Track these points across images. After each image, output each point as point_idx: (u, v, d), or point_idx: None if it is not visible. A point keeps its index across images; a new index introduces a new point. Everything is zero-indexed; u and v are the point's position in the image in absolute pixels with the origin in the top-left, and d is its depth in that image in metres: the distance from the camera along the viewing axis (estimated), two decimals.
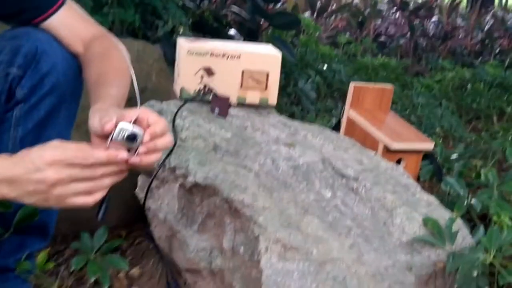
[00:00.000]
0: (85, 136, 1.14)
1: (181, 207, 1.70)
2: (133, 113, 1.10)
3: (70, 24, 1.42)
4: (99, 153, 1.07)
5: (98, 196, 1.11)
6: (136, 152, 1.08)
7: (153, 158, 1.12)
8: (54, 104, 1.39)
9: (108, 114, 1.10)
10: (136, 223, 2.07)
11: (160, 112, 1.87)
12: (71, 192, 1.07)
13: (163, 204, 1.74)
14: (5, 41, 1.36)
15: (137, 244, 2.01)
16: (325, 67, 4.39)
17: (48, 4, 1.40)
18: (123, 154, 1.07)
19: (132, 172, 1.14)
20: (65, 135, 1.41)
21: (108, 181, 1.10)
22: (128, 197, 1.94)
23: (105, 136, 1.09)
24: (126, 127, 1.07)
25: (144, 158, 1.09)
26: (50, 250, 1.87)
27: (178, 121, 1.82)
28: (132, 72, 1.32)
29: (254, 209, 1.51)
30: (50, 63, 1.36)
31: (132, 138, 1.07)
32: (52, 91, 1.38)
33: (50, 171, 1.04)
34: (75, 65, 1.41)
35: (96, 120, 1.11)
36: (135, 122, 1.09)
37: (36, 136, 1.39)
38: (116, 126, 1.07)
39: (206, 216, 1.64)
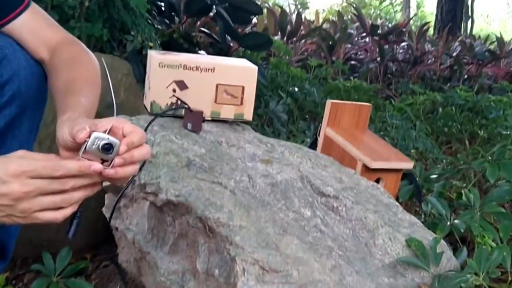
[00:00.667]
0: (48, 152, 1.03)
1: (151, 227, 1.60)
2: (108, 122, 1.01)
3: (35, 28, 1.33)
4: (70, 163, 0.98)
5: (68, 212, 1.01)
6: (112, 164, 0.99)
7: (130, 171, 1.02)
8: (15, 114, 1.29)
9: (80, 123, 1.00)
10: (102, 245, 1.96)
11: None
12: (38, 206, 0.97)
13: (131, 224, 1.63)
14: None
15: (103, 267, 1.90)
16: (296, 89, 4.34)
17: (10, 6, 1.31)
18: (96, 165, 0.98)
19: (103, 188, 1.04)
20: (27, 148, 1.30)
21: (79, 195, 1.01)
22: (94, 217, 1.84)
23: (75, 148, 1.01)
24: (101, 137, 0.98)
25: (120, 170, 1.00)
26: (8, 274, 1.75)
27: (148, 136, 1.72)
28: (109, 77, 1.21)
29: (230, 228, 1.42)
30: (11, 70, 1.26)
31: (107, 148, 0.98)
32: (13, 100, 1.27)
33: (16, 184, 0.95)
34: (39, 72, 1.31)
35: (66, 131, 1.01)
36: (110, 132, 1.00)
37: None
38: (90, 135, 0.98)
39: (178, 236, 1.53)
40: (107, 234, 1.71)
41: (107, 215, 1.67)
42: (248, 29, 5.98)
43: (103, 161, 0.99)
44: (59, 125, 1.05)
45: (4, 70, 1.25)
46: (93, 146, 0.98)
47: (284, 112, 3.80)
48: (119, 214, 1.66)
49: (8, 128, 1.29)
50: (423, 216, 2.11)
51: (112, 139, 0.98)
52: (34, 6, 1.36)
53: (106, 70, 1.18)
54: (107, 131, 0.99)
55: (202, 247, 1.46)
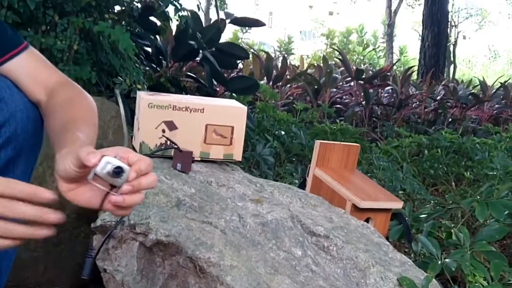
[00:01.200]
0: None
1: (141, 268, 1.57)
2: (113, 150, 1.00)
3: (32, 70, 1.32)
4: (25, 184, 0.94)
5: (4, 244, 0.94)
6: (119, 190, 0.98)
7: (136, 199, 1.00)
8: (10, 157, 1.26)
9: (88, 149, 0.98)
10: (89, 286, 1.92)
11: None
12: None
13: (120, 266, 1.61)
14: None
15: None
16: (283, 132, 4.36)
17: (8, 47, 1.31)
18: (48, 194, 0.94)
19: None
20: None
21: (21, 230, 0.94)
22: (81, 258, 1.81)
23: (78, 179, 1.01)
24: (112, 161, 0.97)
25: (128, 198, 0.99)
26: None
27: None
28: (122, 108, 1.21)
29: (221, 268, 1.41)
30: (8, 113, 1.24)
31: (118, 172, 0.97)
32: (9, 143, 1.25)
33: None
34: (36, 115, 1.29)
35: (70, 160, 0.99)
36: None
37: None
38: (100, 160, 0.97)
39: (168, 277, 1.51)
40: (95, 276, 1.68)
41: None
42: (233, 74, 6.04)
43: (111, 188, 0.99)
44: (60, 158, 1.03)
45: (0, 112, 1.23)
46: (104, 170, 0.97)
47: (271, 155, 3.80)
48: (108, 255, 1.63)
49: (2, 170, 1.26)
50: (413, 255, 2.10)
51: (122, 164, 0.97)
52: (31, 48, 1.36)
53: (121, 105, 1.17)
54: (115, 157, 0.98)
55: (193, 287, 1.44)
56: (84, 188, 1.04)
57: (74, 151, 1.01)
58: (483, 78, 8.30)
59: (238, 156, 1.93)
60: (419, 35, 14.11)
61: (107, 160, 0.97)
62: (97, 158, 0.96)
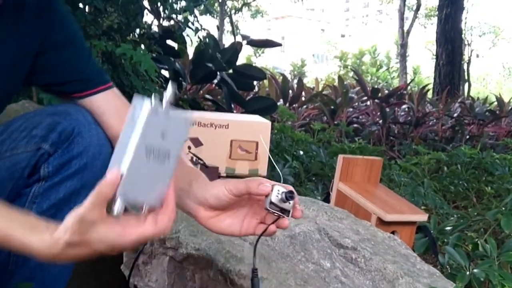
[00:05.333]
0: None
1: (171, 283, 1.59)
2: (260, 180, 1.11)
3: (117, 106, 1.39)
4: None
5: None
6: (290, 213, 1.10)
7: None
8: (75, 187, 1.32)
9: (257, 181, 1.10)
10: None
11: None
12: None
13: (151, 281, 1.62)
14: (44, 116, 1.31)
15: None
16: (301, 153, 4.37)
17: (99, 80, 1.39)
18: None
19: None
20: None
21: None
22: (111, 277, 1.82)
23: (224, 207, 1.14)
24: (281, 188, 1.08)
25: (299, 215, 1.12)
26: None
27: None
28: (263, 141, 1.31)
29: None
30: (82, 146, 1.30)
31: (291, 196, 1.08)
32: (77, 174, 1.31)
33: None
34: (107, 152, 1.34)
35: (222, 189, 1.12)
36: None
37: (50, 217, 1.29)
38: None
39: None
40: None
41: (126, 273, 1.66)
42: (250, 96, 6.08)
43: (281, 212, 1.09)
44: (200, 188, 1.17)
45: (76, 145, 1.29)
46: (277, 197, 1.07)
47: (291, 175, 3.81)
48: (138, 271, 1.65)
49: (66, 199, 1.31)
50: (439, 267, 2.09)
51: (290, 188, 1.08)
52: (116, 89, 1.43)
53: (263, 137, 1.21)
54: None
55: None
56: (224, 215, 1.16)
57: (231, 181, 1.12)
58: (500, 95, 8.28)
59: (263, 171, 1.95)
60: (433, 54, 14.13)
61: (278, 188, 1.08)
62: (269, 188, 1.08)
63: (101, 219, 0.95)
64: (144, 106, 0.94)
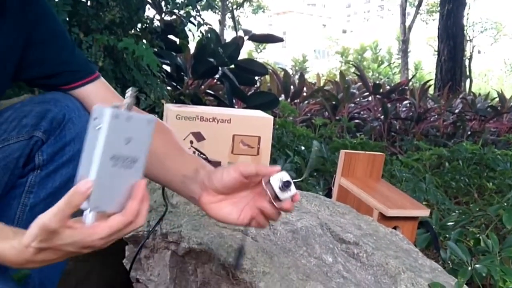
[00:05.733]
0: None
1: (173, 277, 1.59)
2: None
3: (105, 95, 1.38)
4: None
5: None
6: (280, 204, 1.11)
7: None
8: (70, 174, 1.32)
9: (265, 165, 1.14)
10: None
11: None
12: None
13: (153, 275, 1.63)
14: (33, 104, 1.31)
15: None
16: (303, 148, 4.37)
17: (86, 72, 1.38)
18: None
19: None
20: None
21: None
22: (113, 272, 1.83)
23: (222, 191, 1.15)
24: (286, 177, 1.09)
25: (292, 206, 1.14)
26: None
27: None
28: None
29: (254, 274, 1.41)
30: (74, 132, 1.31)
31: (287, 186, 1.09)
32: (71, 160, 1.31)
33: None
34: None
35: (230, 172, 1.13)
36: None
37: (47, 205, 1.28)
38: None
39: (201, 285, 1.52)
40: (127, 286, 1.69)
41: (128, 267, 1.66)
42: (251, 91, 6.08)
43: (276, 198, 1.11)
44: (208, 172, 1.18)
45: (68, 131, 1.30)
46: (278, 182, 1.09)
47: (292, 170, 3.81)
48: (140, 265, 1.65)
49: (62, 187, 1.32)
50: (441, 263, 2.09)
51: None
52: (103, 79, 1.42)
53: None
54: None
55: None
56: (225, 202, 1.17)
57: (241, 164, 1.14)
58: (501, 90, 8.27)
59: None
60: (434, 50, 14.11)
61: (282, 175, 1.09)
62: (278, 168, 1.10)
63: (65, 226, 0.94)
64: (105, 113, 0.93)
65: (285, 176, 1.09)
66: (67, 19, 2.40)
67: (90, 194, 0.93)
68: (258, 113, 2.01)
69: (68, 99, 1.33)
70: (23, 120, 1.28)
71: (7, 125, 1.29)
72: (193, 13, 2.96)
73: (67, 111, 1.30)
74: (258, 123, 1.92)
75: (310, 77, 18.58)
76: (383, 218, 2.06)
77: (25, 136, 1.28)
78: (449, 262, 2.07)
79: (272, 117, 1.93)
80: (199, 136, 1.87)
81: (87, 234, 0.95)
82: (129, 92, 0.96)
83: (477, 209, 2.50)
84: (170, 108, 1.89)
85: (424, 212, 2.12)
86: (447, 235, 2.25)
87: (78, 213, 0.96)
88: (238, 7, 27.28)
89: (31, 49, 1.34)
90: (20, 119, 1.28)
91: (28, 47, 1.33)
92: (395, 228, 2.09)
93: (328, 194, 2.37)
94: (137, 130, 0.98)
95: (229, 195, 1.17)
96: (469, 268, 1.89)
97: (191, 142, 1.87)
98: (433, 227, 2.24)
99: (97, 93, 1.37)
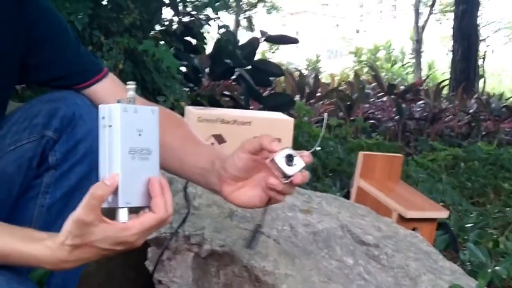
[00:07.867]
0: None
1: (196, 279, 1.60)
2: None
3: (115, 91, 1.36)
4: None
5: None
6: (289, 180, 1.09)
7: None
8: (85, 172, 1.31)
9: (268, 138, 1.12)
10: None
11: (171, 181, 1.79)
12: None
13: (175, 277, 1.64)
14: (42, 104, 1.30)
15: None
16: (318, 148, 4.38)
17: (95, 70, 1.38)
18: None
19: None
20: None
21: None
22: (135, 274, 1.84)
23: (240, 178, 1.17)
24: (291, 152, 1.08)
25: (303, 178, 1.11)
26: None
27: (190, 188, 1.74)
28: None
29: (276, 276, 1.43)
30: (85, 129, 1.29)
31: (290, 160, 1.07)
32: (85, 158, 1.30)
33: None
34: None
35: (238, 153, 1.15)
36: None
37: (64, 205, 1.30)
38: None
39: (223, 286, 1.54)
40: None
41: (150, 268, 1.68)
42: (266, 92, 6.09)
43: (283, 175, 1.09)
44: (221, 162, 1.19)
45: (79, 128, 1.29)
46: (282, 159, 1.07)
47: (309, 171, 3.81)
48: (162, 266, 1.66)
49: (77, 186, 1.31)
50: (459, 264, 2.09)
51: (297, 156, 1.09)
52: (111, 74, 1.42)
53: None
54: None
55: None
56: (245, 189, 1.18)
57: (245, 143, 1.16)
58: None
59: None
60: (448, 50, 14.06)
61: (285, 152, 1.08)
62: (278, 146, 1.08)
63: (98, 219, 0.96)
64: (113, 110, 0.95)
65: (287, 151, 1.08)
66: (88, 22, 2.42)
67: (118, 189, 0.96)
68: (279, 115, 2.02)
69: (77, 96, 1.32)
70: (34, 120, 1.27)
71: (18, 126, 1.28)
72: (211, 15, 2.98)
73: (77, 108, 1.29)
74: (279, 125, 1.93)
75: (322, 77, 18.55)
76: (402, 219, 2.07)
77: (37, 136, 1.27)
78: (468, 263, 2.07)
79: (292, 119, 1.94)
80: (220, 139, 1.88)
81: (119, 229, 0.97)
82: (130, 85, 1.00)
83: (495, 210, 2.50)
84: (192, 111, 1.91)
85: (443, 214, 2.13)
86: (465, 237, 2.26)
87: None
88: (252, 8, 27.30)
89: (33, 50, 1.32)
90: (31, 119, 1.28)
91: (30, 48, 1.32)
92: (414, 229, 2.10)
93: (346, 195, 2.38)
94: (145, 121, 1.01)
95: (247, 180, 1.18)
96: (489, 270, 1.90)
97: (212, 144, 1.88)
98: (452, 228, 2.25)
99: (107, 90, 1.37)
